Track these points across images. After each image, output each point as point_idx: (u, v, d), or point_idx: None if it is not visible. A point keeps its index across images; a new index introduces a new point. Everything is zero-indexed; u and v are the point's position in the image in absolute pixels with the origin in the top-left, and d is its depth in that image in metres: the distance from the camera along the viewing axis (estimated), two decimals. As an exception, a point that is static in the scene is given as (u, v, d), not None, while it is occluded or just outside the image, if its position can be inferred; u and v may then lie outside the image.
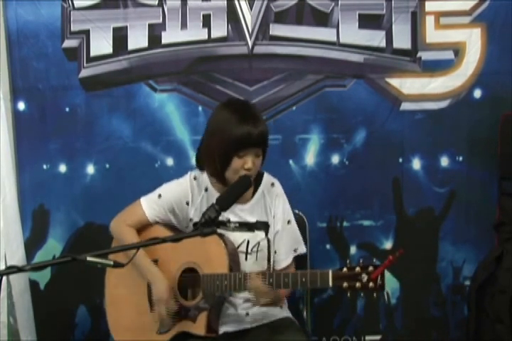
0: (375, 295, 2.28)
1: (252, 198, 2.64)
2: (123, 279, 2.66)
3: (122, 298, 2.70)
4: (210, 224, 2.23)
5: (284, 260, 2.65)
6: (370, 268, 2.25)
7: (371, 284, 2.24)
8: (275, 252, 2.64)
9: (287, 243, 2.66)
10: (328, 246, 3.28)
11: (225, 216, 2.57)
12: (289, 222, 2.67)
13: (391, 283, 3.24)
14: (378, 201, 3.27)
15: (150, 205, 2.65)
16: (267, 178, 2.68)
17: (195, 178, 2.65)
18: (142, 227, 2.66)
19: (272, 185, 2.67)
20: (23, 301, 3.25)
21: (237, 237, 2.60)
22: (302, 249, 2.70)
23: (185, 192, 2.63)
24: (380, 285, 2.24)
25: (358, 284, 2.25)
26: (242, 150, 2.48)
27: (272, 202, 2.65)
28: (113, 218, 2.72)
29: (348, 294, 2.29)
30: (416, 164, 3.25)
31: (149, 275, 2.59)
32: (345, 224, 3.27)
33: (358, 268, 2.26)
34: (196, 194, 2.63)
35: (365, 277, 2.24)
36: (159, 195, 2.64)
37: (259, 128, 2.49)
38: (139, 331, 2.64)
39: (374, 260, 2.33)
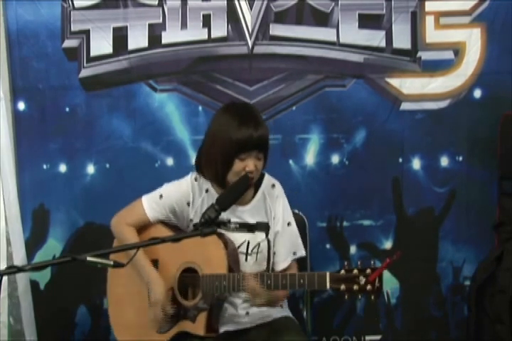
0: (372, 298, 2.25)
1: (253, 200, 2.64)
2: (125, 277, 2.66)
3: (124, 295, 2.70)
4: (210, 224, 2.23)
5: (282, 261, 2.64)
6: (368, 271, 2.24)
7: (369, 287, 2.23)
8: (274, 253, 2.64)
9: (286, 244, 2.65)
10: (328, 246, 3.28)
11: (225, 217, 2.57)
12: (289, 223, 2.66)
13: (391, 283, 3.24)
14: (378, 201, 3.27)
15: (151, 205, 2.65)
16: (268, 179, 2.68)
17: (196, 179, 2.65)
18: (143, 225, 2.66)
19: (273, 186, 2.67)
20: (25, 301, 3.26)
21: (238, 238, 2.60)
22: (302, 253, 2.69)
23: (186, 193, 2.63)
24: (377, 287, 2.23)
25: (355, 287, 2.24)
26: (243, 152, 2.49)
27: (273, 204, 2.64)
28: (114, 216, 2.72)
29: (346, 297, 2.27)
30: (416, 164, 3.25)
31: (147, 278, 2.59)
32: (345, 223, 3.27)
33: (355, 271, 2.25)
34: (197, 195, 2.63)
35: (362, 279, 2.24)
36: (160, 196, 2.64)
37: (260, 131, 2.50)
38: (139, 329, 2.64)
39: (372, 262, 2.31)
